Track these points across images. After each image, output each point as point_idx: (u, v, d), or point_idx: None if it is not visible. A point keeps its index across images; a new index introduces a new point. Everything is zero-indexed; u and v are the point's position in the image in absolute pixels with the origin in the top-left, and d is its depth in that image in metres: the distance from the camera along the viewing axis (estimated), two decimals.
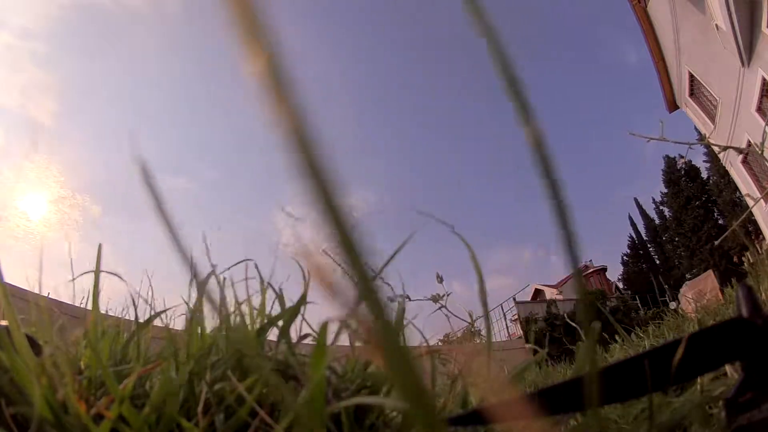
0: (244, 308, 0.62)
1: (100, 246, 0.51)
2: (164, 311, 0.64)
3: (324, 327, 0.37)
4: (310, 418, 0.27)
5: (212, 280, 0.58)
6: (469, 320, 0.99)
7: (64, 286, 0.82)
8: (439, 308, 0.99)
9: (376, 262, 0.12)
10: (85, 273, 0.57)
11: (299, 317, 0.56)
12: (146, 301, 0.60)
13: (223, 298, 0.59)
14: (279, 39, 0.11)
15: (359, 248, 0.12)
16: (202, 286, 0.46)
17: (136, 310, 0.54)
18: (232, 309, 0.58)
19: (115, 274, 0.60)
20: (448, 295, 1.11)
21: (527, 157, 0.17)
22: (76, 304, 0.80)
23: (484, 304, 0.45)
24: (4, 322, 0.41)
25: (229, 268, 0.61)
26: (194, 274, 0.23)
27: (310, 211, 0.11)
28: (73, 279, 0.51)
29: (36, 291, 0.61)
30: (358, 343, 0.60)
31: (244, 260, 0.63)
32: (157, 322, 0.66)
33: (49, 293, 0.64)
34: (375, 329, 0.12)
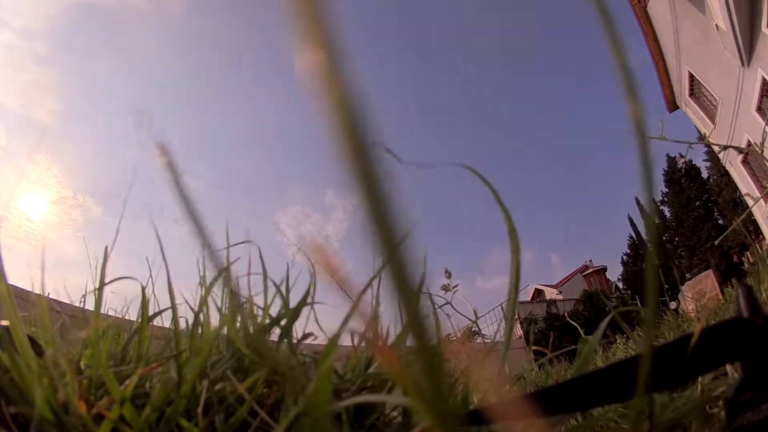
0: (247, 307, 0.62)
1: (106, 248, 0.52)
2: (165, 310, 0.64)
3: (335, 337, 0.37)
4: (316, 410, 0.27)
5: (228, 274, 0.57)
6: (473, 319, 0.99)
7: (65, 286, 0.82)
8: (446, 303, 1.00)
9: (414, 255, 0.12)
10: (114, 279, 0.57)
11: (302, 316, 0.56)
12: (148, 301, 0.60)
13: (238, 292, 0.59)
14: (337, 31, 0.11)
15: (401, 242, 0.12)
16: (225, 279, 0.46)
17: (143, 308, 0.54)
18: (241, 306, 0.58)
19: (130, 277, 0.60)
20: (456, 287, 1.12)
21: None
22: (77, 304, 0.81)
23: (516, 277, 0.40)
24: (5, 322, 0.41)
25: (231, 255, 0.60)
26: (215, 265, 0.23)
27: (355, 205, 0.12)
28: (97, 289, 0.51)
29: (37, 291, 0.61)
30: (360, 343, 0.60)
31: (245, 241, 0.62)
32: (157, 322, 0.66)
33: (49, 293, 0.64)
34: (407, 324, 0.12)
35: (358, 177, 0.11)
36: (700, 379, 0.49)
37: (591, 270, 26.25)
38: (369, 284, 0.49)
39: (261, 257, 0.62)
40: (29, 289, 0.65)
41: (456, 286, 1.15)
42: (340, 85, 0.11)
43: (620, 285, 26.38)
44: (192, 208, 0.21)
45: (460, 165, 0.41)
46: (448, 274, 1.22)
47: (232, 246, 0.61)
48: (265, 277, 0.60)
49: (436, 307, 0.58)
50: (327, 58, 0.11)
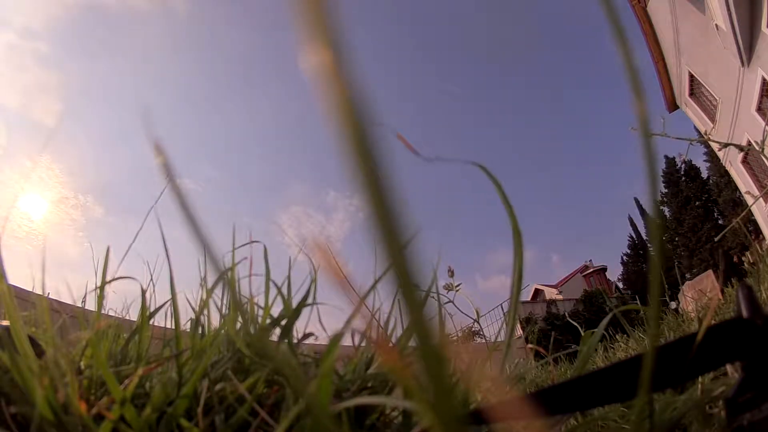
0: (247, 307, 0.62)
1: (108, 248, 0.52)
2: (163, 305, 0.64)
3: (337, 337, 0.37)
4: (316, 410, 0.27)
5: (229, 275, 0.57)
6: (475, 318, 0.99)
7: (66, 286, 0.82)
8: (449, 302, 1.00)
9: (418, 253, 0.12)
10: (117, 278, 0.57)
11: (303, 316, 0.56)
12: (149, 301, 0.60)
13: (238, 293, 0.59)
14: (344, 31, 0.11)
15: (404, 242, 0.12)
16: (225, 280, 0.46)
17: (143, 308, 0.54)
18: (242, 305, 0.58)
19: (130, 277, 0.60)
20: (459, 285, 1.12)
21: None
22: (77, 305, 0.81)
23: (519, 277, 0.39)
24: (5, 322, 0.42)
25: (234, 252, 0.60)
26: (214, 266, 0.23)
27: (358, 205, 0.12)
28: (98, 287, 0.51)
29: (37, 291, 0.61)
30: (360, 343, 0.60)
31: (251, 242, 0.62)
32: (158, 323, 0.66)
33: (49, 293, 0.64)
34: (410, 323, 0.12)
35: (362, 177, 0.11)
36: (700, 379, 0.49)
37: (591, 270, 26.22)
38: (373, 285, 0.49)
39: (266, 257, 0.62)
40: (29, 289, 0.65)
41: (459, 285, 1.15)
42: (345, 85, 0.11)
43: (620, 285, 26.36)
44: (188, 208, 0.21)
45: (473, 163, 0.41)
46: (451, 273, 1.22)
47: (235, 247, 0.61)
48: (268, 277, 0.60)
49: (440, 305, 0.57)
50: (332, 58, 0.11)
